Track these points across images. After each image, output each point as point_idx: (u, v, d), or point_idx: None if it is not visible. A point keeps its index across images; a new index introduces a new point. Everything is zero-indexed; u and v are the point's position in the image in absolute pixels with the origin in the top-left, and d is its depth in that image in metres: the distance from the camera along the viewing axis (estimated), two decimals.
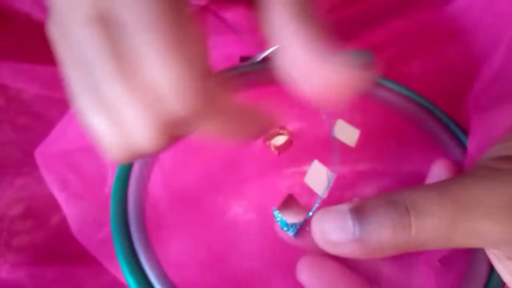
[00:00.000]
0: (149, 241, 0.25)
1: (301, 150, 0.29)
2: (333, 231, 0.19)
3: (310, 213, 0.23)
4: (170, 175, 0.29)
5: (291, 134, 0.29)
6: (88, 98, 0.19)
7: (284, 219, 0.23)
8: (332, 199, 0.24)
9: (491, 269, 0.23)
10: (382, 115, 0.31)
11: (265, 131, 0.21)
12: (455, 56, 0.33)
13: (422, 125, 0.29)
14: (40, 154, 0.31)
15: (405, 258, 0.24)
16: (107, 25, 0.17)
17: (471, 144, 0.25)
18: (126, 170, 0.27)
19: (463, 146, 0.27)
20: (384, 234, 0.18)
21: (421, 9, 0.35)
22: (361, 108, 0.31)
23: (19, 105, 0.37)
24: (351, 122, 0.28)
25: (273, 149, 0.29)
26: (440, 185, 0.19)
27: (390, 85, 0.31)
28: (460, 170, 0.25)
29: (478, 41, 0.31)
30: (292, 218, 0.23)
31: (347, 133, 0.25)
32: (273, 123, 0.21)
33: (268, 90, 0.28)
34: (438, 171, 0.25)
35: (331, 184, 0.23)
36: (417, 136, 0.30)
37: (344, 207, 0.20)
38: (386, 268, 0.24)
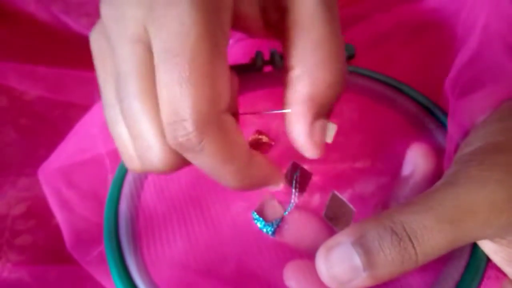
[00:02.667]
0: (142, 256, 0.25)
1: (284, 152, 0.29)
2: (343, 273, 0.19)
3: (286, 213, 0.24)
4: (167, 179, 0.29)
5: (269, 137, 0.30)
6: (116, 108, 0.21)
7: (262, 219, 0.24)
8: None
9: (473, 247, 0.23)
10: (380, 111, 0.31)
11: (265, 184, 0.23)
12: (439, 46, 0.33)
13: (418, 121, 0.29)
14: (42, 171, 0.31)
15: None
16: (149, 47, 0.19)
17: (452, 126, 0.25)
18: (118, 186, 0.28)
19: None
20: (394, 267, 0.19)
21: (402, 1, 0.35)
22: (358, 107, 0.31)
23: (22, 106, 0.37)
24: (349, 121, 0.28)
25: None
26: (432, 203, 0.20)
27: (383, 78, 0.31)
28: (436, 155, 0.25)
29: (457, 29, 0.31)
30: (270, 219, 0.24)
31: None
32: (276, 180, 0.23)
33: (252, 94, 0.29)
34: (413, 156, 0.25)
35: (351, 219, 0.24)
36: (415, 133, 0.30)
37: (345, 239, 0.20)
38: None
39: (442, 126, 0.28)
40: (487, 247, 0.22)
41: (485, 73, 0.25)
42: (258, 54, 0.27)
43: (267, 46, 0.28)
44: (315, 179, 0.26)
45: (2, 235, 0.31)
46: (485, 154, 0.21)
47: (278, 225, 0.24)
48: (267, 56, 0.28)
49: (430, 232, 0.19)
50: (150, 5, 0.19)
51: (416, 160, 0.25)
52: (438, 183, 0.21)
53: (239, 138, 0.20)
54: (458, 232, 0.19)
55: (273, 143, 0.30)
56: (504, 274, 0.23)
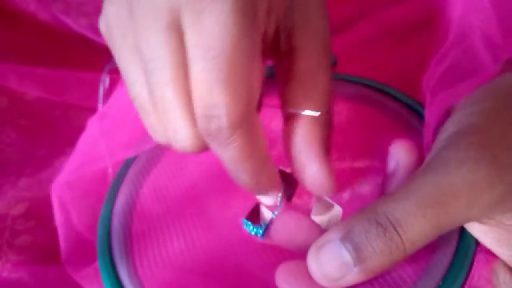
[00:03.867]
0: (135, 267, 0.26)
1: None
2: (334, 270, 0.20)
3: (274, 215, 0.24)
4: (165, 181, 0.29)
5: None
6: (144, 89, 0.21)
7: (250, 224, 0.24)
8: (332, 196, 0.25)
9: (461, 232, 0.23)
10: (377, 114, 0.31)
11: (269, 191, 0.23)
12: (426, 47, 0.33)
13: (408, 121, 0.30)
14: (54, 185, 0.31)
15: None
16: (182, 36, 0.19)
17: (428, 116, 0.25)
18: (111, 203, 0.28)
19: None
20: (383, 258, 0.19)
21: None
22: (356, 109, 0.31)
23: (22, 106, 0.37)
24: (348, 124, 0.28)
25: None
26: (413, 191, 0.20)
27: (370, 83, 0.31)
28: (418, 148, 0.25)
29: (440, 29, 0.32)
30: (258, 223, 0.25)
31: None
32: (275, 190, 0.24)
33: None
34: (395, 152, 0.25)
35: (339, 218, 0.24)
36: (406, 132, 0.30)
37: (334, 236, 0.20)
38: None
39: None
40: (476, 229, 0.22)
41: (460, 64, 0.25)
42: None
43: None
44: None
45: (2, 235, 0.31)
46: (460, 137, 0.21)
47: (267, 228, 0.24)
48: None
49: (413, 218, 0.19)
50: None
51: (398, 155, 0.25)
52: (418, 170, 0.21)
53: (262, 137, 0.21)
54: (441, 216, 0.19)
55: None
56: (494, 257, 0.23)
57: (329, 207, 0.24)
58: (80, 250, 0.28)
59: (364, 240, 0.19)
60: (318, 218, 0.24)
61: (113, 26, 0.21)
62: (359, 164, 0.29)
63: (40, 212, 0.32)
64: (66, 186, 0.30)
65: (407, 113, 0.30)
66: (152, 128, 0.22)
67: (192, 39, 0.19)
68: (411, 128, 0.29)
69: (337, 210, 0.24)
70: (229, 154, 0.21)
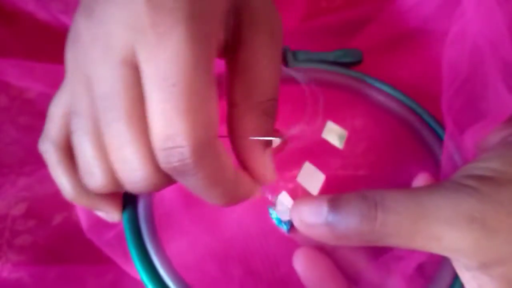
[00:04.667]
0: (159, 238, 0.26)
1: (297, 153, 0.29)
2: (309, 214, 0.22)
3: None
4: None
5: (285, 137, 0.30)
6: (88, 123, 0.21)
7: (278, 216, 0.25)
8: None
9: (455, 278, 0.24)
10: (383, 121, 0.32)
11: (247, 198, 0.23)
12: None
13: (419, 133, 0.30)
14: None
15: (383, 263, 0.26)
16: (137, 70, 0.19)
17: (445, 162, 0.26)
18: None
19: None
20: (351, 222, 0.20)
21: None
22: (362, 114, 0.32)
23: (22, 104, 0.37)
24: (352, 128, 0.28)
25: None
26: (410, 190, 0.21)
27: (386, 89, 0.32)
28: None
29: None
30: (285, 215, 0.24)
31: (335, 134, 0.25)
32: (256, 193, 0.24)
33: None
34: (417, 184, 0.27)
35: (321, 184, 0.24)
36: (413, 145, 0.31)
37: (323, 196, 0.22)
38: (365, 270, 0.26)
39: (439, 139, 0.29)
40: (462, 276, 0.23)
41: (479, 97, 0.26)
42: None
43: None
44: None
45: (2, 235, 0.31)
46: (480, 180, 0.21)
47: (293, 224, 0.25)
48: None
49: (397, 204, 0.20)
50: (141, 28, 0.19)
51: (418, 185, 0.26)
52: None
53: (228, 160, 0.21)
54: (420, 216, 0.20)
55: (286, 140, 0.30)
56: None
57: (314, 172, 0.25)
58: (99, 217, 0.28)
59: (345, 202, 0.21)
60: (303, 180, 0.25)
61: (68, 66, 0.22)
62: (365, 171, 0.29)
63: (40, 212, 0.32)
64: None
65: (419, 124, 0.30)
66: (89, 169, 0.22)
67: (148, 71, 0.19)
68: (421, 139, 0.30)
69: (320, 175, 0.25)
70: (194, 183, 0.20)
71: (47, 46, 0.36)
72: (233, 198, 0.22)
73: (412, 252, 0.25)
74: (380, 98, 0.32)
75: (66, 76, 0.23)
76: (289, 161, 0.29)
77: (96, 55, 0.20)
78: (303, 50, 0.32)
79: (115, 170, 0.21)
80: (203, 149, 0.19)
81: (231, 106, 0.23)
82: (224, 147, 0.21)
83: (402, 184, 0.29)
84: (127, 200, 0.27)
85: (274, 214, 0.25)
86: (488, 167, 0.21)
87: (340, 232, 0.21)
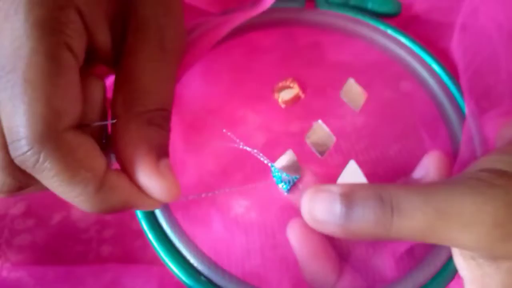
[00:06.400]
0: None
1: (308, 107, 0.29)
2: (321, 211, 0.21)
3: (297, 177, 0.24)
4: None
5: (300, 89, 0.29)
6: None
7: (279, 174, 0.24)
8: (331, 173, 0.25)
9: (448, 261, 0.24)
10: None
11: (129, 207, 0.21)
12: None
13: (441, 104, 0.29)
14: None
15: (374, 243, 0.25)
16: None
17: (464, 145, 0.25)
18: None
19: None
20: (365, 225, 0.20)
21: None
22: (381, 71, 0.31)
23: None
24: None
25: (281, 102, 0.29)
26: (427, 191, 0.20)
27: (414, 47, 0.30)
28: (450, 164, 0.25)
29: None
30: (288, 174, 0.24)
31: (354, 96, 0.25)
32: (146, 203, 0.22)
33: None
34: (427, 163, 0.25)
35: (330, 147, 0.24)
36: (431, 114, 0.30)
37: (335, 189, 0.21)
38: (355, 248, 0.26)
39: (461, 113, 0.28)
40: (458, 262, 0.23)
41: (491, 83, 0.26)
42: None
43: None
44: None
45: (1, 234, 0.31)
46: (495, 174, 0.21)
47: (294, 183, 0.24)
48: None
49: (413, 209, 0.20)
50: None
51: (429, 166, 0.25)
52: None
53: (88, 158, 0.19)
54: (438, 222, 0.19)
55: (303, 96, 0.29)
56: None
57: (324, 134, 0.24)
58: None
59: (360, 203, 0.20)
60: (313, 142, 0.24)
61: None
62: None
63: (39, 211, 0.32)
64: None
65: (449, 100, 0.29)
66: None
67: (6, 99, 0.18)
68: (446, 116, 0.29)
69: (331, 137, 0.24)
70: (48, 182, 0.19)
71: None
72: (101, 205, 0.20)
73: None
74: (404, 55, 0.30)
75: None
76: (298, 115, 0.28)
77: None
78: None
79: None
80: (45, 141, 0.18)
81: (114, 118, 0.22)
82: (90, 144, 0.20)
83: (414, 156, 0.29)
84: None
85: (275, 172, 0.24)
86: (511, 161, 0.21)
87: (353, 233, 0.20)
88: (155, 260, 0.30)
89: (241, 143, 0.24)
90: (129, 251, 0.31)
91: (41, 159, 0.18)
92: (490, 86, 0.26)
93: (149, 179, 0.21)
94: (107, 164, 0.20)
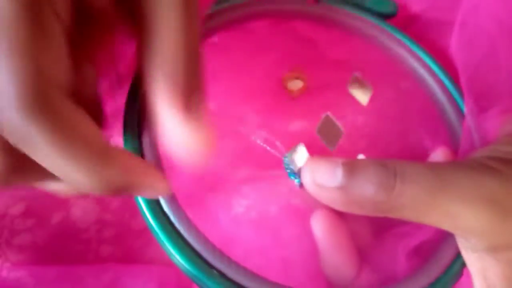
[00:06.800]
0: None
1: (316, 100, 0.29)
2: (322, 174, 0.20)
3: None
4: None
5: (307, 80, 0.29)
6: None
7: (292, 168, 0.23)
8: None
9: (455, 258, 0.24)
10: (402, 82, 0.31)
11: (135, 191, 0.20)
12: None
13: (440, 103, 0.29)
14: None
15: (386, 242, 0.25)
16: None
17: (465, 140, 0.25)
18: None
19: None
20: (367, 188, 0.20)
21: None
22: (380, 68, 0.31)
23: None
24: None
25: (289, 91, 0.29)
26: (433, 164, 0.21)
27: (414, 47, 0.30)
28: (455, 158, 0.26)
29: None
30: (300, 163, 0.23)
31: (361, 90, 0.25)
32: (155, 187, 0.20)
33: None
34: (435, 159, 0.26)
35: (339, 139, 0.24)
36: (430, 113, 0.30)
37: (338, 159, 0.21)
38: (371, 246, 0.26)
39: (460, 112, 0.28)
40: (464, 257, 0.23)
41: (492, 81, 0.26)
42: None
43: None
44: None
45: (1, 234, 0.31)
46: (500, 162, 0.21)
47: None
48: None
49: (417, 174, 0.19)
50: None
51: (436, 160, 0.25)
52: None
53: (84, 125, 0.17)
54: (439, 190, 0.19)
55: (308, 86, 0.29)
56: None
57: (333, 126, 0.24)
58: None
59: (362, 167, 0.20)
60: (322, 134, 0.24)
61: None
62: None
63: (39, 211, 0.32)
64: None
65: (448, 99, 0.29)
66: None
67: None
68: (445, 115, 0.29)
69: (340, 130, 0.24)
70: (42, 155, 0.16)
71: None
72: (100, 180, 0.17)
73: (418, 229, 0.24)
74: (401, 52, 0.30)
75: None
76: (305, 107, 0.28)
77: None
78: None
79: None
80: (32, 101, 0.16)
81: (144, 75, 0.19)
82: (85, 115, 0.17)
83: (416, 149, 0.29)
84: None
85: (287, 165, 0.23)
86: (510, 151, 0.21)
87: (353, 198, 0.20)
88: (155, 260, 0.31)
89: (277, 141, 0.24)
90: (129, 251, 0.31)
91: (30, 125, 0.16)
92: (489, 85, 0.27)
93: (171, 118, 0.19)
94: (106, 138, 0.18)
